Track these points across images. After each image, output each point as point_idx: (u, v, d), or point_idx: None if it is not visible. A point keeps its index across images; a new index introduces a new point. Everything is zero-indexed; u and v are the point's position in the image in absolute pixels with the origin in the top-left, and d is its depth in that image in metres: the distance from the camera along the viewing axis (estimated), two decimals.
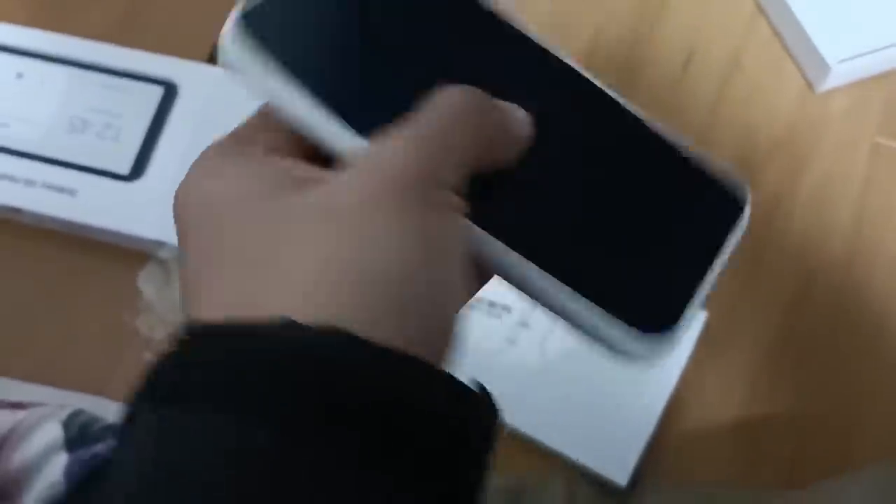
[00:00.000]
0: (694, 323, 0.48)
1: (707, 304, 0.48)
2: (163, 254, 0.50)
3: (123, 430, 0.18)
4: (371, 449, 0.17)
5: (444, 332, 0.20)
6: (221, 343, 0.18)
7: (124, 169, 0.50)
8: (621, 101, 0.24)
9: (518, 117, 0.23)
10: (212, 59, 0.56)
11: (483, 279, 0.24)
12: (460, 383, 0.19)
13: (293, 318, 0.18)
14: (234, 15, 0.23)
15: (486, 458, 0.19)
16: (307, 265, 0.19)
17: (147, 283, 0.49)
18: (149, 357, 0.48)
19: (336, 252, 0.19)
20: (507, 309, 0.49)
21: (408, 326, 0.19)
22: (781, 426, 0.47)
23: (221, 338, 0.18)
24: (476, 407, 0.20)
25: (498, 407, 0.20)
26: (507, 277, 0.23)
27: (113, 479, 0.18)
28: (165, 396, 0.18)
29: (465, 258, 0.21)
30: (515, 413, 0.47)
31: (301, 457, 0.16)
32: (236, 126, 0.26)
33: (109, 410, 0.46)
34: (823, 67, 0.52)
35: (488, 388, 0.20)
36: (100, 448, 0.44)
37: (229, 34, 0.23)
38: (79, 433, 0.44)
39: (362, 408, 0.17)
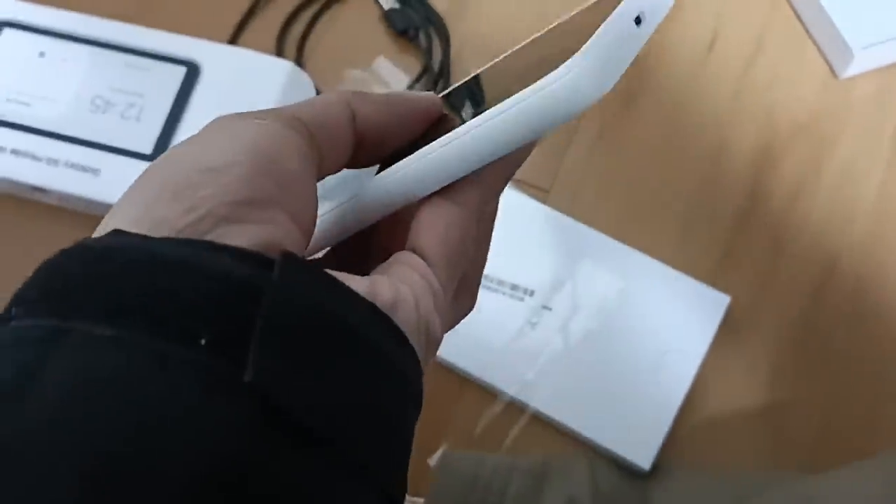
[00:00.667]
0: (716, 307, 0.48)
1: (729, 289, 0.48)
2: None
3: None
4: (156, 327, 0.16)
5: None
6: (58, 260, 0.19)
7: (147, 148, 0.50)
8: None
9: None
10: (233, 39, 0.56)
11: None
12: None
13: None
14: None
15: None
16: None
17: None
18: None
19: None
20: (529, 292, 0.49)
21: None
22: (804, 411, 0.47)
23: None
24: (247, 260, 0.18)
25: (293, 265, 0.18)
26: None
27: None
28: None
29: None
30: (539, 395, 0.47)
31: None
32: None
33: None
34: (847, 53, 0.52)
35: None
36: None
37: None
38: None
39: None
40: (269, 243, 0.18)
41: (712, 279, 0.49)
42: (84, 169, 0.50)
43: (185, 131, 0.50)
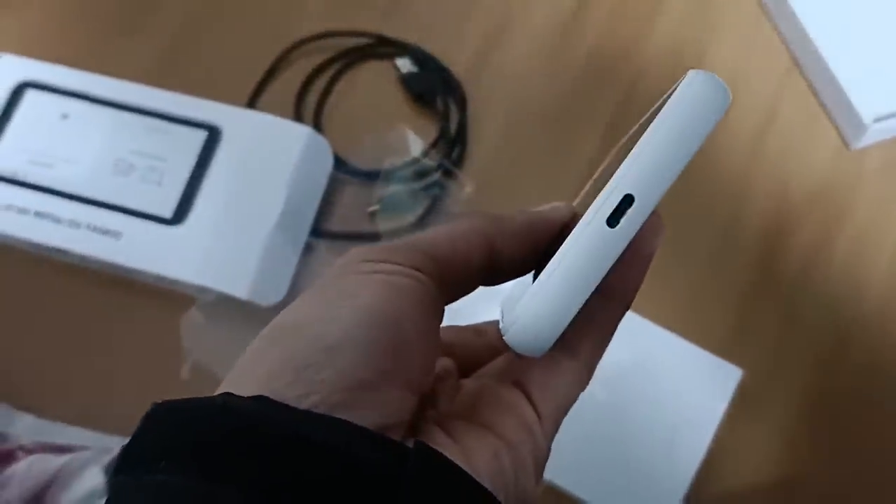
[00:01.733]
0: (729, 380, 0.48)
1: (741, 360, 0.48)
2: (204, 297, 0.50)
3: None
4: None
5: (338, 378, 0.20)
6: (166, 416, 0.20)
7: (167, 213, 0.51)
8: None
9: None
10: (251, 101, 0.57)
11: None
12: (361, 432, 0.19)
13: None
14: None
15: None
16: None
17: (186, 329, 0.50)
18: None
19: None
20: None
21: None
22: (817, 485, 0.47)
23: (170, 412, 0.20)
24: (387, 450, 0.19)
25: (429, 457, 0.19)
26: None
27: None
28: (119, 466, 0.19)
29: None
30: (550, 466, 0.47)
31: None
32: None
33: None
34: (859, 125, 0.53)
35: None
36: None
37: None
38: None
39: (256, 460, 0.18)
40: (379, 426, 0.19)
41: (724, 350, 0.49)
42: (105, 232, 0.50)
43: (205, 195, 0.51)
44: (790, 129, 0.55)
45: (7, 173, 0.52)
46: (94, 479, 0.45)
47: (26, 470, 0.45)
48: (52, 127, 0.53)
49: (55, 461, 0.45)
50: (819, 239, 0.53)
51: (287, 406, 0.19)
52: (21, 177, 0.52)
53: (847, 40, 0.55)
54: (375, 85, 0.57)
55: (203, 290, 0.49)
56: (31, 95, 0.54)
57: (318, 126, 0.56)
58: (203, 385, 0.48)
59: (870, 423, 0.48)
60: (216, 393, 0.20)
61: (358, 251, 0.22)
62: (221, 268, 0.49)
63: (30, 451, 0.46)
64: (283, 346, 0.20)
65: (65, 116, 0.54)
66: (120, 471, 0.19)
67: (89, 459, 0.45)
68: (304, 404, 0.19)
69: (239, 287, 0.49)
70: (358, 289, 0.21)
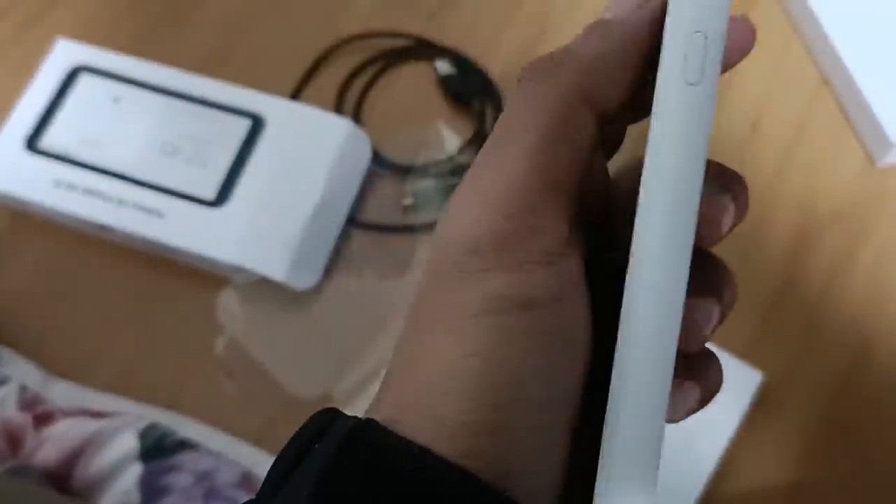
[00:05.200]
0: (749, 383, 0.49)
1: (763, 366, 0.49)
2: (241, 279, 0.52)
3: (275, 482, 0.19)
4: None
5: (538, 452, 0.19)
6: (385, 465, 0.18)
7: (210, 195, 0.53)
8: None
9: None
10: (295, 94, 0.59)
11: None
12: None
13: (432, 449, 0.17)
14: None
15: None
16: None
17: (224, 306, 0.52)
18: (222, 377, 0.50)
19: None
20: None
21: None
22: (832, 492, 0.48)
23: (386, 456, 0.18)
24: None
25: None
26: None
27: None
28: (324, 495, 0.18)
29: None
30: None
31: None
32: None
33: (181, 425, 0.48)
34: (886, 143, 0.54)
35: None
36: (173, 461, 0.46)
37: None
38: (154, 445, 0.46)
39: None
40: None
41: (746, 354, 0.50)
42: (150, 211, 0.52)
43: (246, 181, 0.53)
44: (817, 144, 0.57)
45: (59, 151, 0.54)
46: (127, 443, 0.46)
47: (63, 432, 0.47)
48: (104, 109, 0.56)
49: (91, 425, 0.47)
50: (842, 252, 0.54)
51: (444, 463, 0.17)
52: (72, 155, 0.54)
53: (876, 59, 0.56)
54: (414, 84, 0.59)
55: (240, 270, 0.51)
56: (84, 79, 0.57)
57: (357, 120, 0.58)
58: (236, 360, 0.50)
59: (885, 433, 0.49)
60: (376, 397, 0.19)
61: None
62: (259, 250, 0.51)
63: (68, 414, 0.48)
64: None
65: (116, 100, 0.56)
66: (326, 500, 0.17)
67: (123, 425, 0.47)
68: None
69: (275, 270, 0.51)
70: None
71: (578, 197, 0.19)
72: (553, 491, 0.19)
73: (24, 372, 0.50)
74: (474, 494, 0.17)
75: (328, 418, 0.19)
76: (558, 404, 0.18)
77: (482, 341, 0.17)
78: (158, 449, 0.46)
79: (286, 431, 0.20)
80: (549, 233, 0.18)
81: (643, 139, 0.20)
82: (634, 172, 0.20)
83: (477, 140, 0.57)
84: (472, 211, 0.18)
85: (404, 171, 0.56)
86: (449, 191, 0.56)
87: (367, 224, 0.55)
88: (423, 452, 0.17)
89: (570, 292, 0.19)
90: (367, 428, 0.18)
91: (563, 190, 0.19)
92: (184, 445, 0.47)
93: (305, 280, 0.52)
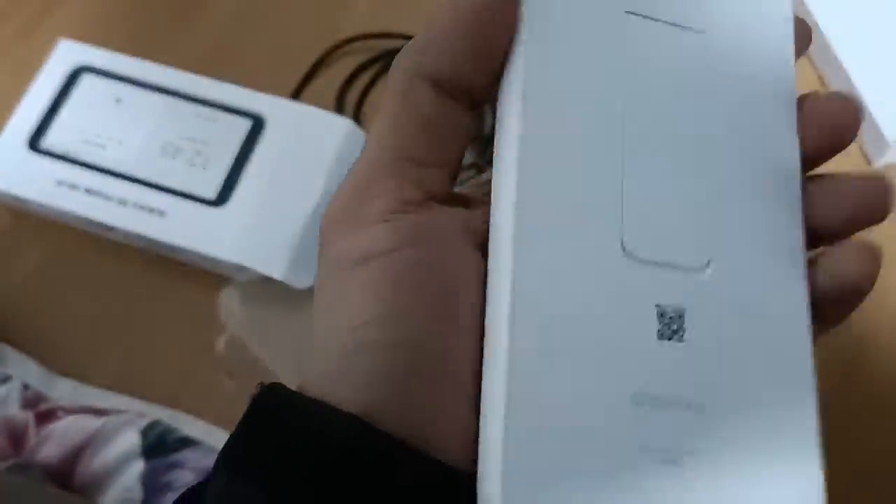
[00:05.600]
0: None
1: None
2: (242, 277, 0.52)
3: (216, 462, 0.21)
4: None
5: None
6: (279, 422, 0.20)
7: (211, 195, 0.53)
8: None
9: None
10: (295, 94, 0.59)
11: None
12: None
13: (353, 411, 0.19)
14: None
15: None
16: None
17: (225, 304, 0.52)
18: (223, 375, 0.50)
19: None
20: None
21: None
22: (835, 490, 0.48)
23: (290, 414, 0.20)
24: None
25: None
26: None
27: None
28: (234, 462, 0.20)
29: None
30: None
31: None
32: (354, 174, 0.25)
33: (182, 422, 0.49)
34: (882, 143, 0.54)
35: None
36: (175, 458, 0.46)
37: None
38: (156, 443, 0.47)
39: None
40: None
41: None
42: (151, 210, 0.53)
43: (247, 180, 0.53)
44: None
45: (60, 151, 0.55)
46: (129, 440, 0.47)
47: (65, 429, 0.47)
48: (106, 110, 0.56)
49: (93, 422, 0.47)
50: None
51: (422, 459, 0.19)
52: (73, 155, 0.54)
53: (872, 58, 0.56)
54: None
55: (241, 269, 0.52)
56: (86, 79, 0.57)
57: (358, 120, 0.58)
58: (237, 359, 0.50)
59: (886, 429, 0.49)
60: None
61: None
62: (259, 249, 0.51)
63: (70, 411, 0.48)
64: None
65: (118, 100, 0.56)
66: (237, 467, 0.19)
67: (126, 422, 0.47)
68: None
69: (276, 268, 0.51)
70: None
71: (439, 158, 0.23)
72: (459, 427, 0.20)
73: (27, 370, 0.50)
74: (363, 437, 0.19)
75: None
76: (431, 349, 0.20)
77: (332, 297, 0.21)
78: (160, 446, 0.47)
79: None
80: (384, 195, 0.21)
81: None
82: None
83: (476, 139, 0.57)
84: (337, 196, 0.22)
85: None
86: None
87: None
88: (314, 403, 0.20)
89: (413, 243, 0.21)
90: (269, 393, 0.21)
91: (408, 157, 0.22)
92: (185, 443, 0.47)
93: (306, 278, 0.52)
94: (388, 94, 0.22)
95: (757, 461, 0.22)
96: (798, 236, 0.24)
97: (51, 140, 0.55)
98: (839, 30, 0.57)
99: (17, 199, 0.54)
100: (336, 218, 0.22)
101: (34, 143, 0.55)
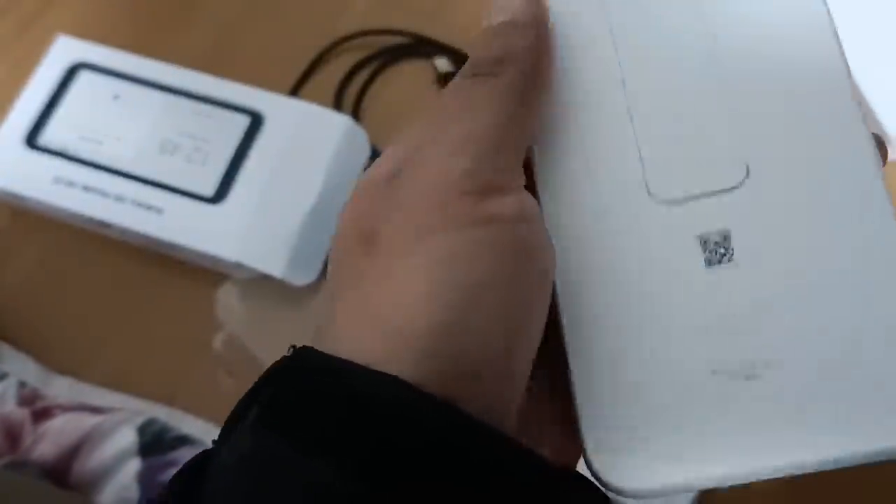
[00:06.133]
0: None
1: None
2: (240, 275, 0.52)
3: (229, 427, 0.20)
4: None
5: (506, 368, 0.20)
6: (333, 384, 0.19)
7: (209, 192, 0.53)
8: None
9: None
10: (294, 91, 0.59)
11: None
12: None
13: (399, 375, 0.18)
14: None
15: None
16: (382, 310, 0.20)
17: (223, 301, 0.52)
18: (220, 373, 0.50)
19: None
20: None
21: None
22: (836, 488, 0.47)
23: (334, 378, 0.19)
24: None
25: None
26: None
27: (207, 487, 0.19)
28: (270, 420, 0.19)
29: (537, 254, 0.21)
30: None
31: None
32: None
33: (179, 420, 0.48)
34: (884, 138, 0.54)
35: None
36: (172, 456, 0.46)
37: None
38: (153, 440, 0.46)
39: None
40: None
41: None
42: (149, 207, 0.52)
43: (245, 177, 0.53)
44: None
45: (58, 148, 0.54)
46: (126, 438, 0.46)
47: (62, 426, 0.47)
48: (103, 106, 0.56)
49: (90, 420, 0.47)
50: None
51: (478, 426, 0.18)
52: (71, 152, 0.54)
53: (874, 54, 0.56)
54: (414, 82, 0.59)
55: (239, 266, 0.51)
56: (84, 76, 0.57)
57: (356, 117, 0.58)
58: (235, 357, 0.50)
59: None
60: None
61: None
62: (258, 246, 0.51)
63: (66, 409, 0.48)
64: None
65: (116, 97, 0.56)
66: (267, 425, 0.18)
67: (122, 420, 0.47)
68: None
69: (274, 266, 0.51)
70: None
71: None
72: (512, 403, 0.20)
73: (23, 367, 0.50)
74: (412, 403, 0.18)
75: (274, 365, 0.20)
76: (514, 318, 0.20)
77: (446, 251, 0.19)
78: (157, 444, 0.46)
79: None
80: (508, 171, 0.21)
81: None
82: None
83: None
84: (451, 153, 0.21)
85: None
86: None
87: None
88: (360, 369, 0.19)
89: (529, 219, 0.21)
90: (304, 355, 0.20)
91: (522, 145, 0.22)
92: (182, 441, 0.47)
93: (304, 276, 0.52)
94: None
95: (838, 365, 0.21)
96: (852, 115, 0.23)
97: (48, 137, 0.55)
98: (839, 24, 0.57)
99: (14, 196, 0.54)
100: (460, 178, 0.20)
101: (31, 140, 0.55)
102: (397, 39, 0.60)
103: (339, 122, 0.55)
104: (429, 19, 0.61)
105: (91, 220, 0.53)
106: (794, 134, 0.22)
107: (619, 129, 0.23)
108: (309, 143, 0.54)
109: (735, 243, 0.22)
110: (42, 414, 0.47)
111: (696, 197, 0.22)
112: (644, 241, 0.22)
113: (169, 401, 0.50)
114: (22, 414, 0.48)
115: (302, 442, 0.18)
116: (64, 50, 0.57)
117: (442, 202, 0.20)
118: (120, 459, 0.46)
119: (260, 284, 0.52)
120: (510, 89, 0.22)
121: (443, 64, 0.59)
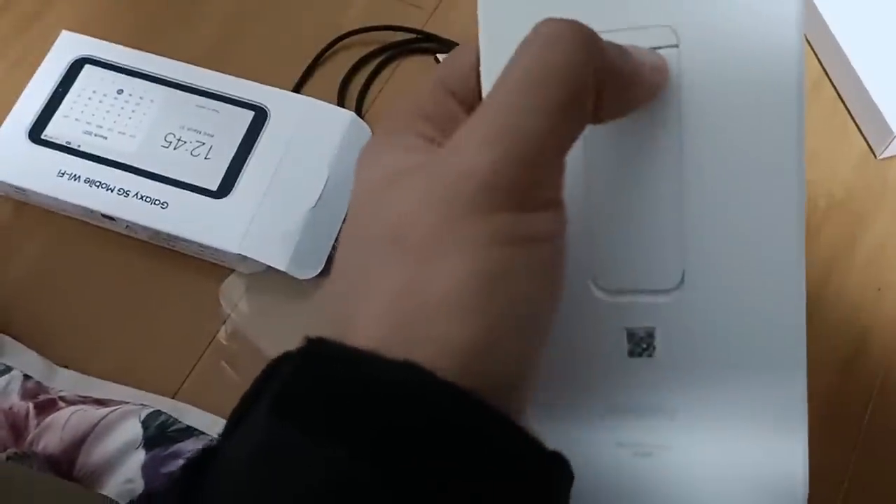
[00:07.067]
0: None
1: None
2: (244, 268, 0.52)
3: (236, 419, 0.20)
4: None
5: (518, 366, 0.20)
6: (342, 372, 0.19)
7: (213, 185, 0.53)
8: None
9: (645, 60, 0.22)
10: (298, 87, 0.59)
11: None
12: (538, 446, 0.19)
13: (419, 363, 0.18)
14: None
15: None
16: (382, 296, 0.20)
17: (227, 294, 0.52)
18: (224, 365, 0.50)
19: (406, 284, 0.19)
20: None
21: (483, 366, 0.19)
22: (837, 483, 0.48)
23: (344, 365, 0.19)
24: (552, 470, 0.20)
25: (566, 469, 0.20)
26: None
27: (215, 480, 0.19)
28: (283, 409, 0.18)
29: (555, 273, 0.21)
30: None
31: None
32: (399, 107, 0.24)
33: (184, 413, 0.48)
34: (887, 134, 0.54)
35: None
36: (176, 448, 0.46)
37: None
38: (157, 433, 0.46)
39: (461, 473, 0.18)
40: None
41: None
42: (153, 201, 0.52)
43: (249, 171, 0.53)
44: (818, 135, 0.57)
45: (62, 142, 0.54)
46: (130, 431, 0.46)
47: (66, 419, 0.47)
48: (108, 100, 0.56)
49: (95, 413, 0.47)
50: (842, 243, 0.54)
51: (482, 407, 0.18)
52: (75, 146, 0.54)
53: (877, 49, 0.56)
54: (416, 77, 0.60)
55: (244, 260, 0.51)
56: (88, 70, 0.57)
57: (359, 113, 0.58)
58: (239, 349, 0.50)
59: (882, 426, 0.49)
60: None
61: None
62: (262, 240, 0.51)
63: (71, 402, 0.48)
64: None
65: (120, 91, 0.56)
66: (282, 415, 0.18)
67: (126, 413, 0.47)
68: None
69: (278, 259, 0.51)
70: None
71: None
72: (527, 402, 0.20)
73: (27, 361, 0.50)
74: (427, 387, 0.18)
75: (283, 355, 0.20)
76: (539, 330, 0.20)
77: (488, 265, 0.19)
78: (161, 436, 0.46)
79: None
80: (551, 186, 0.20)
81: None
82: None
83: None
84: (490, 152, 0.19)
85: None
86: None
87: None
88: (373, 356, 0.18)
89: (560, 235, 0.21)
90: (322, 344, 0.19)
91: (562, 154, 0.21)
92: (186, 433, 0.47)
93: (308, 269, 0.52)
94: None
95: (731, 456, 0.24)
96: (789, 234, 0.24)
97: (52, 131, 0.55)
98: (842, 19, 0.57)
99: (18, 189, 0.54)
100: (508, 186, 0.19)
101: (35, 134, 0.55)
102: (401, 35, 0.61)
103: (343, 117, 0.55)
104: (432, 15, 0.61)
105: (95, 214, 0.53)
106: (732, 254, 0.24)
107: (577, 218, 0.23)
108: (313, 137, 0.54)
109: (658, 340, 0.24)
110: (46, 407, 0.47)
111: (633, 293, 0.24)
112: (580, 323, 0.24)
113: (174, 393, 0.50)
114: (26, 407, 0.48)
115: (314, 430, 0.18)
116: (68, 44, 0.57)
117: (483, 213, 0.19)
118: (124, 452, 0.46)
119: (264, 278, 0.52)
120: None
121: None
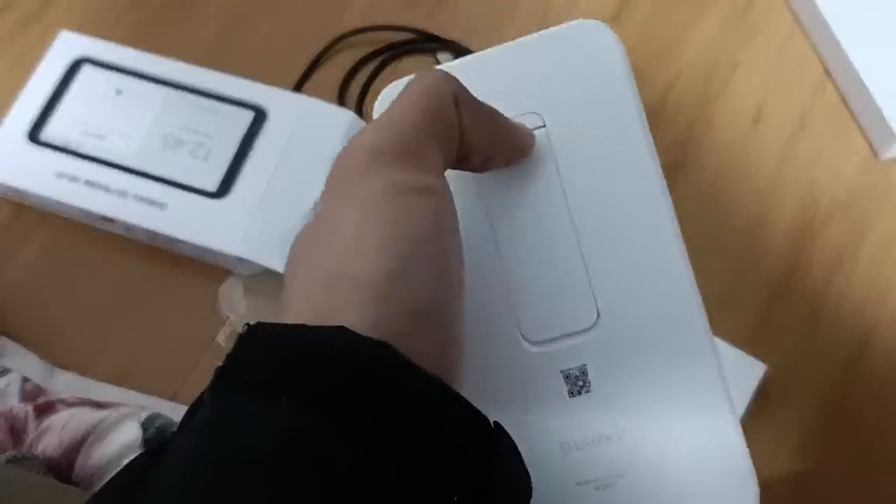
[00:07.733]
0: (752, 374, 0.49)
1: (766, 357, 0.49)
2: (243, 270, 0.52)
3: (190, 412, 0.21)
4: (408, 470, 0.19)
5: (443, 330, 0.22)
6: (281, 341, 0.21)
7: (212, 187, 0.53)
8: None
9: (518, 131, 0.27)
10: (298, 86, 0.59)
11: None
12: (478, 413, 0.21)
13: (343, 324, 0.20)
14: None
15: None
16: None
17: (226, 297, 0.51)
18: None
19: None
20: None
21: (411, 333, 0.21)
22: (835, 481, 0.47)
23: (282, 339, 0.21)
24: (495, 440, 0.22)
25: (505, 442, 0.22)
26: None
27: (171, 453, 0.20)
28: (227, 381, 0.20)
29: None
30: None
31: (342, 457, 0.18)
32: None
33: (183, 415, 0.48)
34: (889, 136, 0.54)
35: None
36: None
37: None
38: (156, 435, 0.46)
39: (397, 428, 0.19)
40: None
41: (749, 346, 0.50)
42: (152, 202, 0.52)
43: (248, 172, 0.53)
44: (820, 136, 0.57)
45: (61, 143, 0.54)
46: (129, 433, 0.46)
47: (65, 422, 0.47)
48: (106, 101, 0.55)
49: (93, 415, 0.47)
50: (844, 244, 0.54)
51: (407, 363, 0.20)
52: (74, 147, 0.54)
53: (879, 51, 0.56)
54: None
55: (242, 262, 0.51)
56: (87, 70, 0.56)
57: (360, 113, 0.58)
58: None
59: (887, 425, 0.49)
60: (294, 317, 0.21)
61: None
62: (261, 241, 0.51)
63: (70, 404, 0.47)
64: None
65: (119, 92, 0.56)
66: (224, 387, 0.20)
67: (126, 415, 0.47)
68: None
69: (277, 261, 0.50)
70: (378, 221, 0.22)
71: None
72: (449, 349, 0.22)
73: (27, 363, 0.50)
74: (351, 344, 0.20)
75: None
76: (447, 269, 0.22)
77: (386, 211, 0.22)
78: (161, 439, 0.46)
79: None
80: (431, 159, 0.24)
81: None
82: None
83: None
84: (379, 130, 0.23)
85: None
86: None
87: None
88: (305, 328, 0.20)
89: (444, 193, 0.24)
90: (258, 327, 0.21)
91: (436, 139, 0.24)
92: None
93: None
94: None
95: (680, 473, 0.26)
96: (675, 251, 0.28)
97: (51, 132, 0.55)
98: (844, 20, 0.57)
99: (16, 191, 0.54)
100: (393, 149, 0.23)
101: (34, 135, 0.54)
102: (401, 35, 0.60)
103: (343, 118, 0.54)
104: (432, 15, 0.61)
105: (94, 216, 0.53)
106: (631, 280, 0.27)
107: (497, 286, 0.27)
108: (312, 138, 0.54)
109: (591, 376, 0.26)
110: (45, 409, 0.47)
111: (560, 338, 0.27)
112: (518, 376, 0.27)
113: (173, 396, 0.50)
114: (25, 409, 0.48)
115: (254, 390, 0.19)
116: (67, 45, 0.57)
117: (377, 170, 0.22)
118: (124, 454, 0.46)
119: (263, 279, 0.52)
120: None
121: (446, 59, 0.59)
